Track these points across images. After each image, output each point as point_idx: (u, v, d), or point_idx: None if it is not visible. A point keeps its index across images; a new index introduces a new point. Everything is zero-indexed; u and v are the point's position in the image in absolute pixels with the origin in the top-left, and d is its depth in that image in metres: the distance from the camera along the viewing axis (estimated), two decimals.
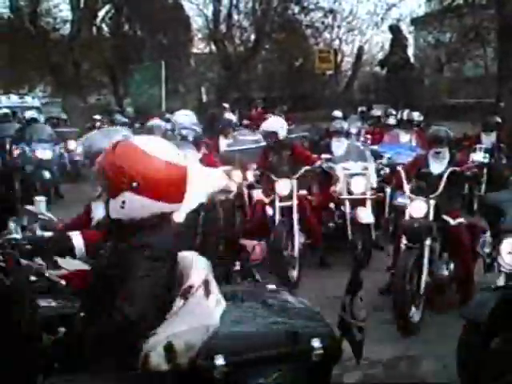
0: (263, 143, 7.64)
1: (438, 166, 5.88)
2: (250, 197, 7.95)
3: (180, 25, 28.67)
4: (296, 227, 6.41)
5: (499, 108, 15.13)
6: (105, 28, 29.17)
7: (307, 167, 6.75)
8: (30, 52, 25.79)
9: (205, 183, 4.53)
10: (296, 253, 6.34)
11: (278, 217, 6.45)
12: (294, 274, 6.27)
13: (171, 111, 15.96)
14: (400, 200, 6.78)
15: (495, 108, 15.01)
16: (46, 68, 27.05)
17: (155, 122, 10.26)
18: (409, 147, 9.04)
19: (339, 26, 26.94)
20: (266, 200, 6.75)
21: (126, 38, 27.87)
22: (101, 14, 28.03)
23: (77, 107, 22.11)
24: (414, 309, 5.19)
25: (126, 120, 14.35)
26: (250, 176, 7.32)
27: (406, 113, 9.88)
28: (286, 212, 6.49)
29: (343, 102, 21.57)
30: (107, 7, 28.03)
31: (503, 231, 3.91)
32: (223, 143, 8.85)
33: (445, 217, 5.67)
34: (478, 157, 9.48)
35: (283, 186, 6.52)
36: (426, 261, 5.26)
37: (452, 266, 5.70)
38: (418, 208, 5.44)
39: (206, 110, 18.09)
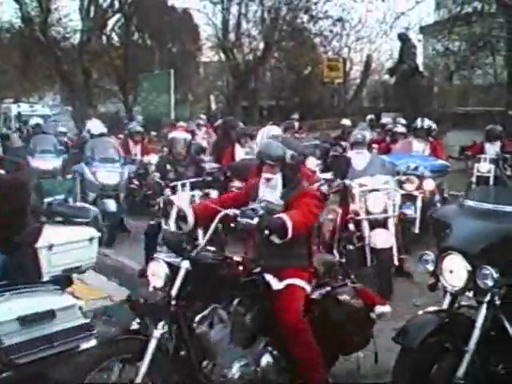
0: None
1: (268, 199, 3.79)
2: None
3: (189, 34, 28.83)
4: None
5: (507, 116, 15.01)
6: (114, 37, 29.47)
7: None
8: (40, 61, 25.99)
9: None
10: None
11: None
12: None
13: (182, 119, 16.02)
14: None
15: (504, 116, 14.90)
16: (56, 77, 27.25)
17: (177, 134, 8.01)
18: (420, 156, 8.64)
19: (348, 35, 27.05)
20: None
21: (135, 46, 28.03)
22: (110, 23, 28.35)
23: (87, 116, 22.23)
24: None
25: (141, 129, 11.74)
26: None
27: (425, 122, 9.40)
28: None
29: (352, 111, 21.58)
30: (117, 16, 28.26)
31: (444, 249, 3.46)
32: (240, 152, 8.73)
33: (268, 277, 3.76)
34: (484, 168, 9.30)
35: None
36: (144, 364, 3.16)
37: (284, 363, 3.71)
38: (153, 274, 3.46)
39: (215, 119, 18.07)
